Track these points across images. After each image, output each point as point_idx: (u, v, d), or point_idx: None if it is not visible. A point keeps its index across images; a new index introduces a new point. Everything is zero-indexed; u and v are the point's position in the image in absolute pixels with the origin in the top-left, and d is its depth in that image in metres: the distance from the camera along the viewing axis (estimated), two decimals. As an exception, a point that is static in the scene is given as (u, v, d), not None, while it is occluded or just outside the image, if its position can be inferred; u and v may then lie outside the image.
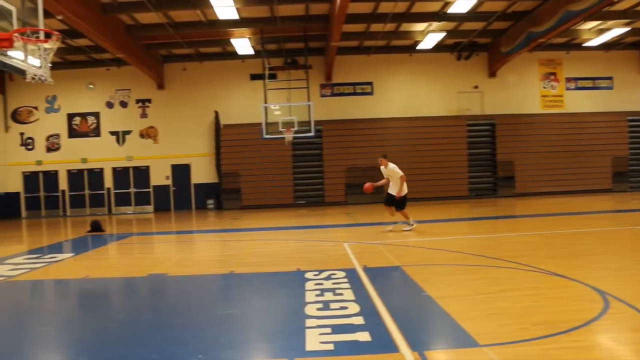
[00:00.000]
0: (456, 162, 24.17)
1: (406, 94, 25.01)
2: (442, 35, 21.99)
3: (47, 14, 11.57)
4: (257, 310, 5.86)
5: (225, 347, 4.55)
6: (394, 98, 25.00)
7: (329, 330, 4.75)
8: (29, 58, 8.45)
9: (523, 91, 25.27)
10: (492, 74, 25.04)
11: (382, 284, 6.88)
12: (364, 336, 4.56)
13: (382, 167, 12.70)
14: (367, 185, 12.65)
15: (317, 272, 7.44)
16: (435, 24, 21.05)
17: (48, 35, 8.52)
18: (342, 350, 4.27)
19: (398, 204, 12.46)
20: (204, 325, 5.22)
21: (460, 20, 20.61)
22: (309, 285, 6.67)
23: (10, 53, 8.03)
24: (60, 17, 15.41)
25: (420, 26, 21.73)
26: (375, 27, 21.11)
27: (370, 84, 25.08)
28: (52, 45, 8.51)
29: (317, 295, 6.10)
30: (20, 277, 8.21)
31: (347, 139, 23.72)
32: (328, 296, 6.02)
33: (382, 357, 4.11)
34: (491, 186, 24.87)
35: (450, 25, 21.38)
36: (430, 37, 22.17)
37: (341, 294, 6.08)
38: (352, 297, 5.91)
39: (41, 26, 8.50)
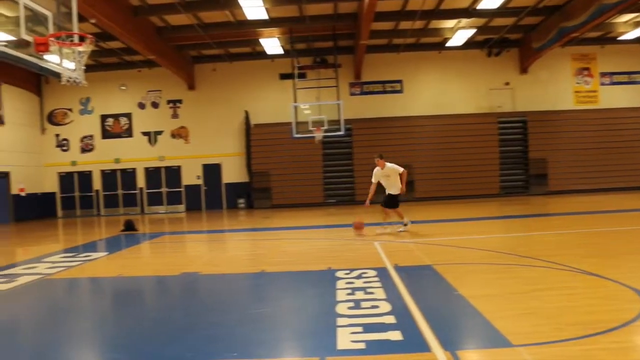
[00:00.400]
0: (487, 160, 23.89)
1: (436, 92, 24.81)
2: (472, 31, 21.73)
3: (81, 18, 11.85)
4: (289, 309, 5.87)
5: (258, 345, 4.57)
6: (423, 96, 24.82)
7: (360, 329, 4.73)
8: (63, 61, 8.68)
9: (555, 87, 24.81)
10: (523, 70, 24.65)
11: (414, 283, 6.83)
12: (395, 335, 4.53)
13: (377, 169, 12.02)
14: (358, 223, 12.32)
15: (348, 271, 7.41)
16: (464, 21, 20.85)
17: (82, 39, 8.72)
18: (374, 349, 4.24)
19: (388, 202, 12.12)
20: (236, 324, 5.26)
21: (490, 16, 20.38)
22: (340, 284, 6.66)
23: (46, 57, 8.24)
24: (93, 21, 15.77)
25: (449, 23, 21.54)
26: (404, 24, 21.01)
27: (399, 81, 24.94)
28: (86, 48, 8.72)
29: (348, 294, 6.08)
30: (56, 275, 8.39)
31: (377, 137, 23.60)
32: (359, 295, 5.99)
33: (414, 356, 4.07)
34: (523, 184, 24.50)
35: (480, 21, 21.15)
36: (460, 34, 21.93)
37: (372, 293, 6.05)
38: (384, 296, 5.87)
39: (75, 30, 8.71)
